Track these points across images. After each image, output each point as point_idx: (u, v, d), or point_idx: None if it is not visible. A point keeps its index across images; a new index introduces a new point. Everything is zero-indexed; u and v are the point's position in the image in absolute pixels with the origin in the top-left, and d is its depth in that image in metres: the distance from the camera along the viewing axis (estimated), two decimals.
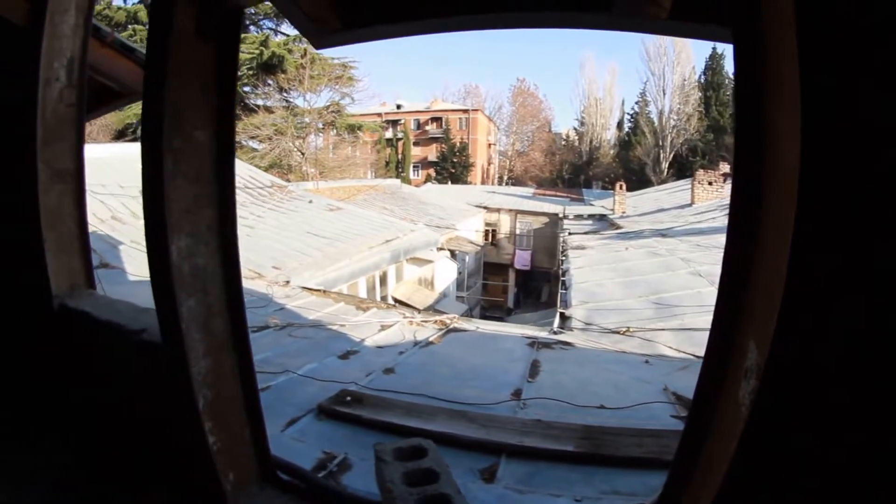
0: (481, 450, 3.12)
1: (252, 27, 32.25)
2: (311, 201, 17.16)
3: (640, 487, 2.74)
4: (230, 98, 2.06)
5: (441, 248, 20.41)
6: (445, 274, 19.79)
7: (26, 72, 2.71)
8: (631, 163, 53.02)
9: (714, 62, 49.51)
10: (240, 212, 2.18)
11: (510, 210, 34.45)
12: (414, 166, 58.37)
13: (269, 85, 32.46)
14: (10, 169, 2.95)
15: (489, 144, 66.11)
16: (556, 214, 31.79)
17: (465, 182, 55.34)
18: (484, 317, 24.74)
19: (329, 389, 4.05)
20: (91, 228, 3.05)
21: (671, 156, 49.62)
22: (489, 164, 66.07)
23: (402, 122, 59.93)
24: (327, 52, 30.30)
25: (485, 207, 33.82)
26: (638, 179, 47.43)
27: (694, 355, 5.90)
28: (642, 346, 6.66)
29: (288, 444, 3.14)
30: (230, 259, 2.13)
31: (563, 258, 15.83)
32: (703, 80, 50.44)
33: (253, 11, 28.51)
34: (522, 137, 68.86)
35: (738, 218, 1.36)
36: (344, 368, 4.94)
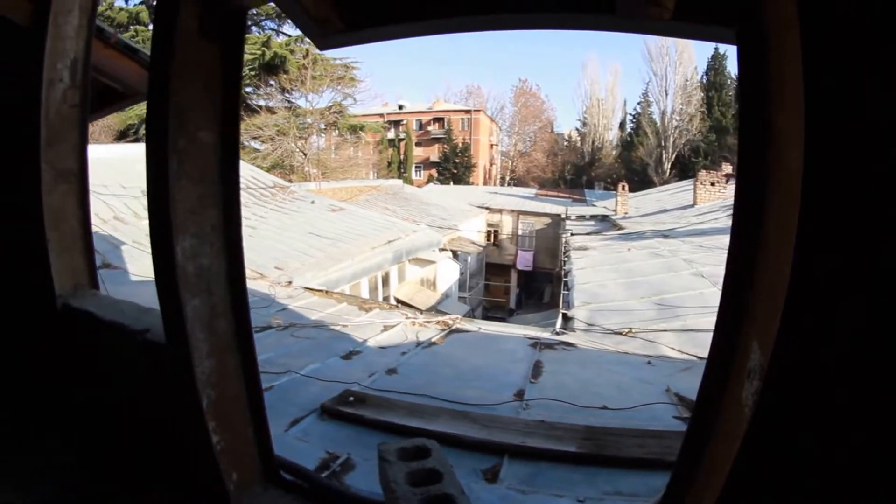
0: (484, 450, 3.12)
1: (254, 28, 32.27)
2: (313, 202, 17.17)
3: (642, 488, 2.75)
4: (235, 99, 2.07)
5: (443, 249, 20.40)
6: (448, 274, 19.79)
7: (30, 72, 2.72)
8: (633, 163, 52.96)
9: (716, 62, 49.46)
10: (242, 212, 2.19)
11: (512, 211, 34.41)
12: (416, 167, 58.32)
13: (272, 85, 32.51)
14: (14, 169, 2.96)
15: (491, 145, 66.02)
16: (559, 215, 31.77)
17: (468, 183, 55.29)
18: (486, 317, 24.73)
19: (332, 390, 4.06)
20: (93, 229, 3.06)
21: (673, 156, 49.56)
22: (491, 164, 66.01)
23: (405, 122, 59.87)
24: (329, 53, 30.36)
25: (487, 208, 33.79)
26: (640, 180, 47.39)
27: (696, 356, 5.90)
28: (644, 347, 6.65)
29: (291, 444, 3.14)
30: (235, 259, 2.13)
31: (566, 259, 15.81)
32: (705, 81, 50.36)
33: (255, 12, 28.51)
34: (525, 138, 68.77)
35: (741, 219, 1.36)
36: (346, 369, 4.95)
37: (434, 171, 58.06)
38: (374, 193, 26.01)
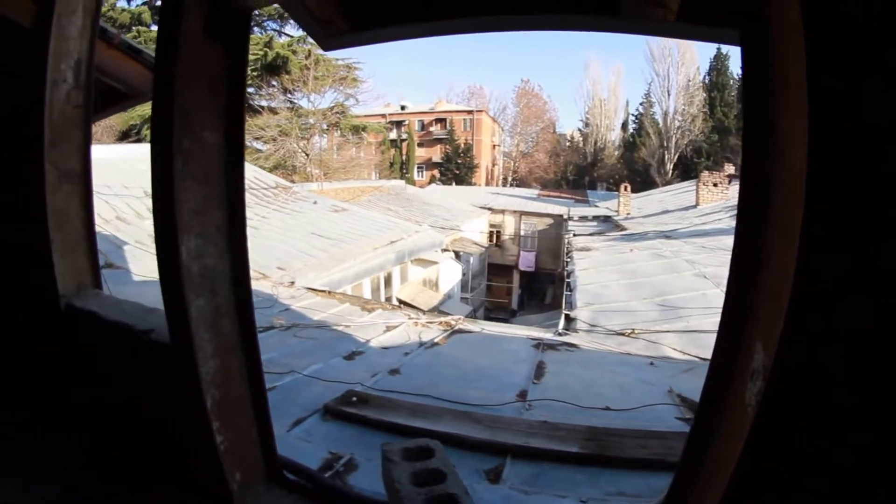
0: (487, 450, 3.13)
1: (256, 28, 32.27)
2: (315, 202, 17.17)
3: (644, 489, 2.75)
4: (240, 99, 2.07)
5: (446, 250, 20.41)
6: (450, 275, 19.79)
7: (33, 73, 2.73)
8: (635, 164, 52.92)
9: (719, 63, 49.35)
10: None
11: (514, 211, 34.40)
12: (418, 167, 58.32)
13: (274, 86, 32.51)
14: (17, 170, 2.97)
15: (493, 145, 66.04)
16: (561, 216, 31.76)
17: (470, 183, 55.27)
18: (488, 318, 24.72)
19: (334, 390, 4.06)
20: (96, 229, 3.07)
21: (676, 157, 49.49)
22: (493, 165, 66.01)
23: (407, 123, 59.88)
24: (331, 54, 30.34)
25: (489, 209, 33.79)
26: (642, 181, 47.37)
27: (699, 357, 5.90)
28: (647, 348, 6.65)
29: (294, 445, 3.15)
30: (239, 260, 2.14)
31: (568, 260, 15.81)
32: (707, 81, 50.27)
33: (257, 13, 28.54)
34: (527, 138, 68.77)
35: (745, 219, 1.36)
36: (349, 369, 4.95)
37: (436, 172, 58.06)
38: (377, 194, 26.02)
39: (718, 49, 48.16)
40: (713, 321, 7.24)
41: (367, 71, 55.86)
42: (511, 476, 2.89)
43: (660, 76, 52.10)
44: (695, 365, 5.46)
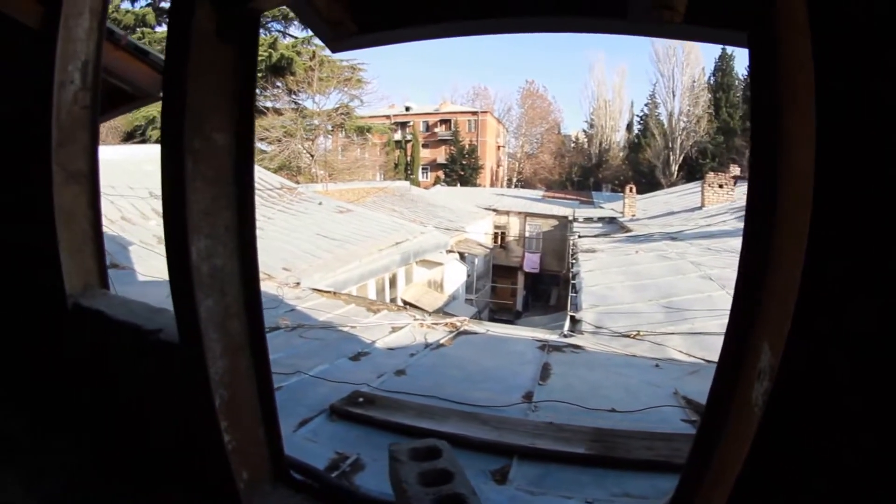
0: (493, 451, 3.13)
1: (260, 29, 32.25)
2: (320, 203, 17.21)
3: (650, 490, 2.75)
4: (249, 100, 2.09)
5: (450, 251, 20.43)
6: (455, 276, 19.79)
7: (41, 75, 2.74)
8: (640, 165, 52.80)
9: (724, 63, 49.19)
10: None
11: (519, 212, 34.38)
12: (423, 168, 58.31)
13: (278, 87, 32.60)
14: (25, 170, 2.99)
15: (498, 147, 66.01)
16: (566, 217, 31.71)
17: (475, 184, 55.24)
18: (493, 320, 24.71)
19: (340, 390, 4.07)
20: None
21: (681, 158, 49.34)
22: (498, 166, 65.97)
23: (411, 124, 59.86)
24: (336, 55, 30.38)
25: (494, 210, 33.77)
26: (648, 182, 47.25)
27: (704, 359, 5.90)
28: (652, 350, 6.65)
29: (300, 445, 3.16)
30: (248, 260, 2.15)
31: (573, 261, 15.80)
32: (712, 82, 50.11)
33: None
34: (531, 139, 68.67)
35: (753, 220, 1.36)
36: (355, 370, 4.96)
37: (441, 173, 58.04)
38: (381, 195, 26.05)
39: (723, 50, 48.03)
40: (719, 323, 7.27)
41: (371, 72, 55.94)
42: (517, 477, 2.90)
43: (665, 77, 51.98)
44: (700, 367, 5.46)
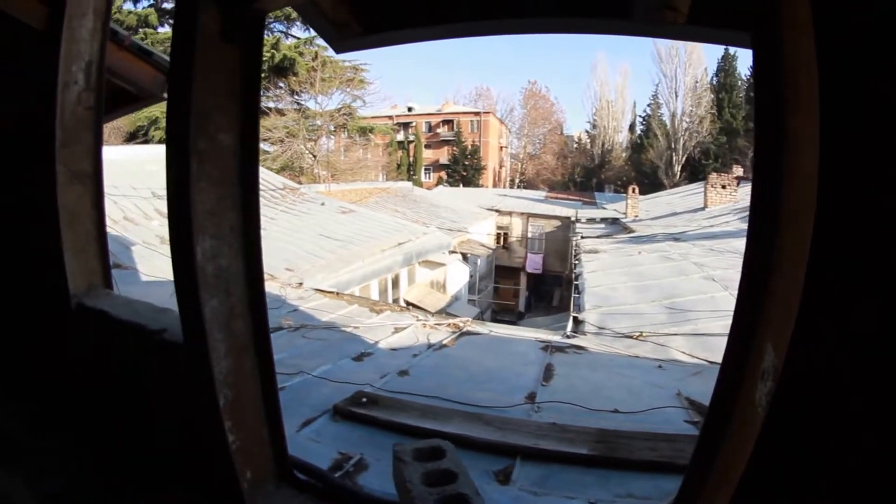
0: (496, 452, 3.13)
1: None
2: (323, 203, 17.23)
3: (653, 491, 2.75)
4: (254, 101, 2.09)
5: (453, 252, 20.40)
6: (457, 277, 19.79)
7: (45, 75, 2.75)
8: (643, 166, 52.75)
9: (727, 63, 49.12)
10: None
11: (522, 213, 34.36)
12: (425, 169, 58.31)
13: (281, 87, 32.61)
14: (29, 171, 3.00)
15: (501, 147, 66.01)
16: (569, 218, 31.69)
17: (477, 185, 55.28)
18: (495, 320, 24.70)
19: (344, 391, 4.08)
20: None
21: (684, 159, 49.29)
22: (501, 166, 65.97)
23: (414, 124, 59.90)
24: (338, 56, 30.38)
25: (497, 210, 33.74)
26: (650, 182, 47.21)
27: (707, 360, 5.89)
28: (655, 351, 6.65)
29: (304, 445, 3.16)
30: (253, 260, 2.15)
31: (576, 262, 15.81)
32: (715, 82, 50.05)
33: None
34: (534, 140, 68.69)
35: (757, 221, 1.36)
36: (358, 370, 4.97)
37: (443, 174, 58.06)
38: (384, 195, 26.06)
39: (726, 50, 47.98)
40: (721, 324, 7.27)
41: (374, 72, 56.18)
42: (520, 477, 2.90)
43: (667, 77, 51.93)
44: (703, 368, 5.45)
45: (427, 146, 59.28)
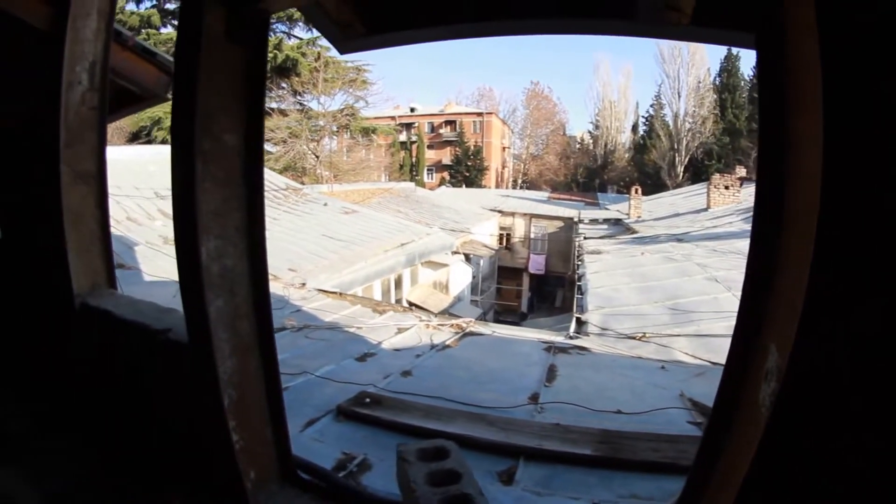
0: (500, 452, 3.13)
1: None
2: (325, 204, 17.24)
3: (657, 492, 2.75)
4: (259, 101, 2.10)
5: (456, 252, 20.39)
6: (460, 278, 19.79)
7: (49, 75, 2.76)
8: (646, 166, 52.70)
9: (729, 64, 49.01)
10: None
11: (525, 214, 34.32)
12: (428, 169, 58.30)
13: (283, 88, 32.59)
14: (34, 171, 3.01)
15: (503, 148, 65.97)
16: (571, 218, 31.63)
17: (480, 185, 55.26)
18: (498, 321, 24.67)
19: (347, 391, 4.08)
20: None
21: (686, 159, 49.24)
22: (503, 167, 65.95)
23: (416, 125, 59.90)
24: (341, 56, 30.40)
25: (499, 211, 33.71)
26: (653, 183, 47.17)
27: (710, 361, 5.89)
28: (658, 352, 6.65)
29: (307, 445, 3.16)
30: (258, 261, 2.16)
31: (579, 263, 15.80)
32: (718, 83, 49.98)
33: None
34: (537, 141, 68.58)
35: (761, 221, 1.37)
36: (361, 370, 4.97)
37: (446, 174, 58.08)
38: (387, 196, 26.06)
39: (729, 50, 47.96)
40: (724, 325, 7.26)
41: (376, 73, 56.20)
42: (524, 478, 2.90)
43: (670, 78, 51.89)
44: (706, 369, 5.44)
45: (430, 147, 59.27)
